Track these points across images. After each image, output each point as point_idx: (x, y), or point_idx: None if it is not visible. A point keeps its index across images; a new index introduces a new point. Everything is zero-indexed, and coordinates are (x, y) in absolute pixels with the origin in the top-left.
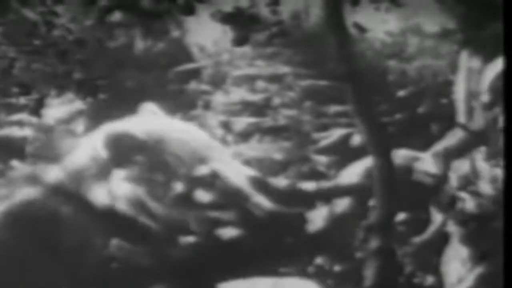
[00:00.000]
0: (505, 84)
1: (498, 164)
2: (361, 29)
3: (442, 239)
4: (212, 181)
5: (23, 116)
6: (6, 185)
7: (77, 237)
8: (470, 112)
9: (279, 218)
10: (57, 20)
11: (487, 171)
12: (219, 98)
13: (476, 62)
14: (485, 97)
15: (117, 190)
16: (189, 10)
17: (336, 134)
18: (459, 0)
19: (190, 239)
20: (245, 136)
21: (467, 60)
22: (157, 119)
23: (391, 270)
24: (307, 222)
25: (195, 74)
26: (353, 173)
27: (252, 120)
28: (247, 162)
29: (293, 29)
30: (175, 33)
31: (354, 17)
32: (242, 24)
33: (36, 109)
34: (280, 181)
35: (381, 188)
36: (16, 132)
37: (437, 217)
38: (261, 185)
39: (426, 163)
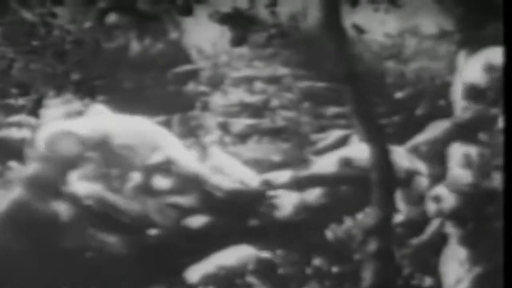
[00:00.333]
0: (505, 84)
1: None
2: (360, 30)
3: (440, 240)
4: (167, 167)
5: (21, 117)
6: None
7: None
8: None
9: (238, 198)
10: (56, 21)
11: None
12: (217, 99)
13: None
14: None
15: (77, 192)
16: (187, 11)
17: (334, 135)
18: (458, 1)
19: (156, 228)
20: (243, 137)
21: (465, 61)
22: (103, 118)
23: (390, 271)
24: (275, 207)
25: (193, 75)
26: (328, 163)
27: (250, 121)
28: (246, 164)
29: (291, 30)
30: (173, 34)
31: (353, 18)
32: (240, 24)
33: (34, 109)
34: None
35: (379, 190)
36: (14, 133)
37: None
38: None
39: (399, 157)
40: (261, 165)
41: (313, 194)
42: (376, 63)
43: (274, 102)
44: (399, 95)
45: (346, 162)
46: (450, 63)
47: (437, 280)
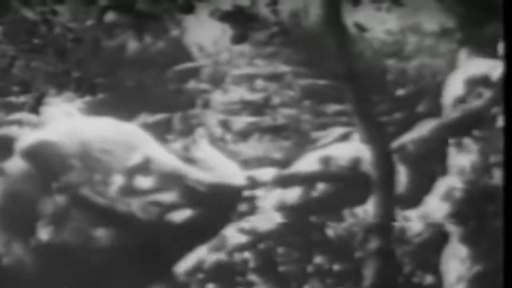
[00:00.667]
0: (505, 84)
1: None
2: (362, 28)
3: (441, 238)
4: (146, 166)
5: (22, 115)
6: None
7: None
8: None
9: (219, 190)
10: (57, 19)
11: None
12: (218, 97)
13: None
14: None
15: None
16: (189, 9)
17: (335, 133)
18: (459, 0)
19: (142, 224)
20: (244, 135)
21: (466, 59)
22: (73, 121)
23: (391, 269)
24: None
25: (194, 73)
26: (309, 162)
27: (251, 119)
28: (246, 162)
29: (292, 27)
30: (174, 32)
31: (355, 16)
32: (241, 22)
33: (35, 107)
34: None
35: (380, 189)
36: (15, 131)
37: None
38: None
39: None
40: (262, 163)
41: (294, 194)
42: (377, 60)
43: (275, 100)
44: (400, 92)
45: (326, 161)
46: (451, 60)
47: (438, 278)
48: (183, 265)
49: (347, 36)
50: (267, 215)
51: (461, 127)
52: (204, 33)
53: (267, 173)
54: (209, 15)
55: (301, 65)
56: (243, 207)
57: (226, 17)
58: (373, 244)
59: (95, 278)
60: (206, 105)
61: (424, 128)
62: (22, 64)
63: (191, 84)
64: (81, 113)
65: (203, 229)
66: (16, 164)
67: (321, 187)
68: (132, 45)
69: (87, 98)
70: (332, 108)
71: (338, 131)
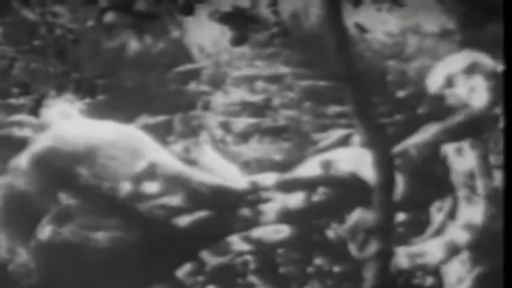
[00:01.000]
0: (505, 84)
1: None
2: (363, 29)
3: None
4: (152, 171)
5: (22, 117)
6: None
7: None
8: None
9: (222, 191)
10: (57, 20)
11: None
12: (218, 99)
13: None
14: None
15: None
16: (189, 10)
17: (335, 134)
18: (459, 1)
19: (147, 226)
20: (244, 136)
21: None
22: (77, 125)
23: (391, 271)
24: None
25: (195, 74)
26: (311, 166)
27: (251, 120)
28: (247, 163)
29: (293, 28)
30: (174, 33)
31: (355, 17)
32: (241, 23)
33: (35, 109)
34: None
35: (380, 191)
36: (16, 132)
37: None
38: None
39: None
40: (262, 165)
41: (296, 199)
42: (378, 61)
43: (276, 101)
44: (400, 94)
45: (327, 165)
46: None
47: (439, 280)
48: (184, 267)
49: (348, 37)
50: (273, 226)
51: (464, 131)
52: (205, 35)
53: (269, 178)
54: (208, 17)
55: (302, 66)
56: (246, 211)
57: (225, 18)
58: (374, 247)
59: (96, 279)
60: (207, 106)
61: (427, 133)
62: (22, 66)
63: (192, 86)
64: (82, 115)
65: (207, 233)
66: (19, 167)
67: (322, 191)
68: (133, 46)
69: (87, 100)
70: (333, 109)
71: (339, 132)
